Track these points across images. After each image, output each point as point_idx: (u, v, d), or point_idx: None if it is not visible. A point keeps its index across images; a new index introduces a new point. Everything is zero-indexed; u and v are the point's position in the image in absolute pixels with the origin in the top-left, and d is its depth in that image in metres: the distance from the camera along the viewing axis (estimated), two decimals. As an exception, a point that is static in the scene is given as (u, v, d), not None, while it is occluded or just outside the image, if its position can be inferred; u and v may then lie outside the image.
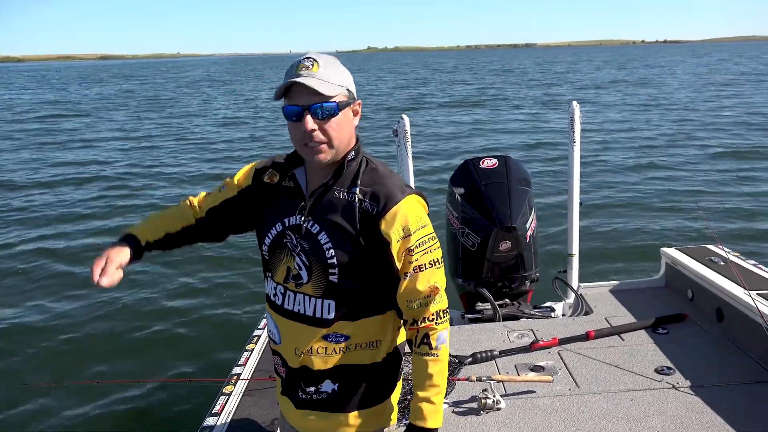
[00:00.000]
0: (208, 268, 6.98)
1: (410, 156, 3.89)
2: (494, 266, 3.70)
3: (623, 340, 3.19)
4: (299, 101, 1.44)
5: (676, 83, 35.24)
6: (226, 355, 4.46)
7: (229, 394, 2.66)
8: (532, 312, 3.74)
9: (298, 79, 1.42)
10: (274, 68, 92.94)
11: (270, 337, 1.70)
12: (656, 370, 2.83)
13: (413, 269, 1.49)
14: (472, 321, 3.66)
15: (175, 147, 16.67)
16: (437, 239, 1.56)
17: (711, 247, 3.93)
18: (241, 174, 1.71)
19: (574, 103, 3.90)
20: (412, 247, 1.48)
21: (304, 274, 1.54)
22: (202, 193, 1.77)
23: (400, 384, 1.70)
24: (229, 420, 2.47)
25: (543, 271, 3.93)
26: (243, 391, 2.70)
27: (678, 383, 2.71)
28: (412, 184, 3.93)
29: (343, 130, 1.49)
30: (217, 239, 1.78)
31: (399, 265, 1.50)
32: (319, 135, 1.46)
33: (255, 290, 6.17)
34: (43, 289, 6.67)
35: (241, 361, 2.99)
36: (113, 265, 1.54)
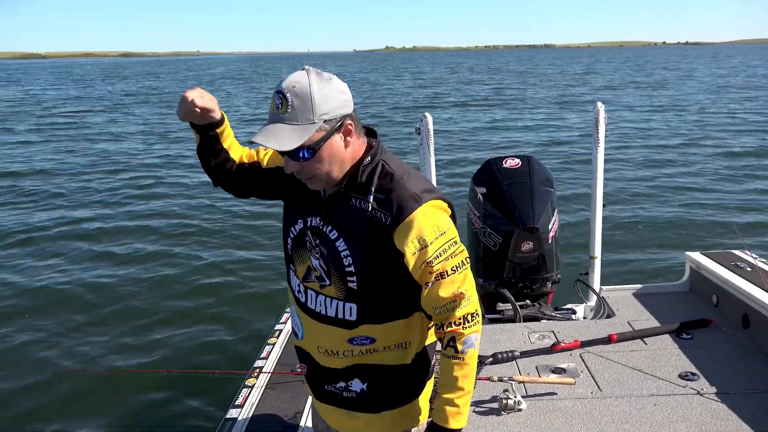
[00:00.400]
0: (233, 263, 7.05)
1: (432, 154, 3.88)
2: (516, 267, 3.69)
3: (646, 344, 3.16)
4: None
5: (696, 85, 34.77)
6: (248, 348, 4.51)
7: (252, 387, 2.69)
8: (553, 314, 3.72)
9: (257, 140, 1.37)
10: (294, 67, 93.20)
11: (294, 330, 1.70)
12: (680, 376, 2.80)
13: (434, 278, 1.45)
14: (492, 321, 3.65)
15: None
16: (460, 243, 1.50)
17: (737, 252, 3.88)
18: (275, 154, 1.68)
19: (599, 104, 3.87)
20: (430, 259, 1.43)
21: (325, 277, 1.53)
22: (247, 148, 1.72)
23: (430, 383, 1.68)
24: (251, 412, 2.49)
25: (564, 273, 3.91)
26: (265, 384, 2.72)
27: (703, 389, 2.68)
28: (434, 182, 3.92)
29: (332, 158, 1.44)
30: (239, 193, 1.73)
31: (417, 277, 1.46)
32: (305, 172, 1.44)
33: (277, 285, 6.22)
34: (70, 275, 6.84)
35: (263, 355, 3.02)
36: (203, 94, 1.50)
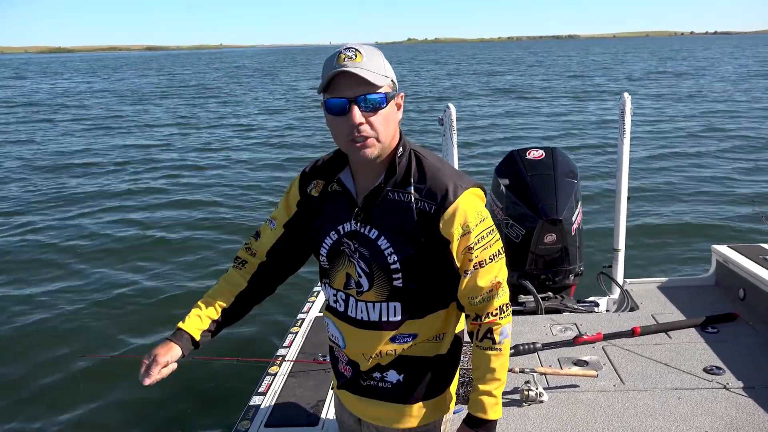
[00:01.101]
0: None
1: (455, 145, 3.87)
2: (538, 258, 3.67)
3: (670, 337, 3.13)
4: (344, 93, 1.35)
5: (725, 75, 34.02)
6: (272, 337, 4.57)
7: (275, 375, 2.72)
8: (576, 306, 3.69)
9: (345, 69, 1.32)
10: (318, 58, 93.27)
11: (332, 341, 1.66)
12: (705, 370, 2.77)
13: (473, 266, 1.46)
14: (514, 313, 3.64)
15: (231, 134, 17.07)
16: (496, 231, 1.51)
17: (765, 245, 3.81)
18: (286, 198, 1.64)
19: (626, 94, 3.81)
20: (471, 245, 1.44)
21: (365, 281, 1.49)
22: (251, 240, 1.68)
23: (458, 373, 1.69)
24: (274, 399, 2.53)
25: (587, 266, 3.88)
26: (288, 372, 2.75)
27: (728, 383, 2.64)
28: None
29: (389, 123, 1.41)
30: (289, 273, 1.72)
31: (459, 264, 1.46)
32: (366, 129, 1.37)
33: (300, 275, 6.26)
34: (101, 261, 7.01)
35: (286, 343, 3.05)
36: (158, 367, 1.51)
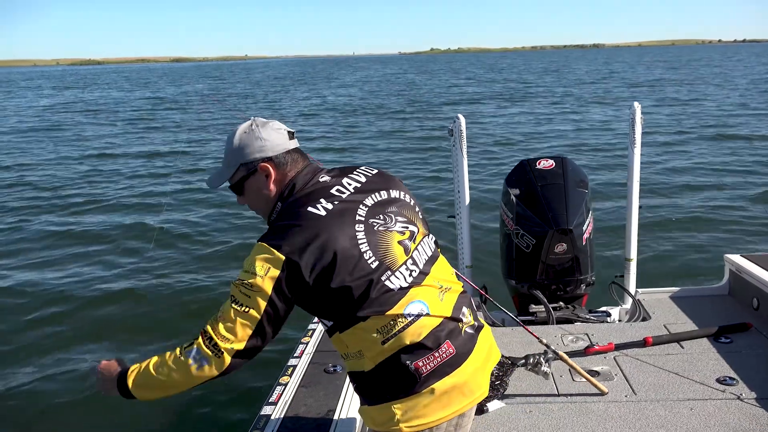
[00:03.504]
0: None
1: (465, 155, 3.89)
2: (549, 268, 3.66)
3: (683, 348, 3.10)
4: None
5: (740, 81, 33.82)
6: (282, 347, 4.58)
7: (285, 385, 2.73)
8: (587, 316, 3.67)
9: (206, 183, 1.88)
10: (341, 69, 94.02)
11: None
12: (718, 380, 2.75)
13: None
14: (525, 323, 3.63)
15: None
16: (250, 289, 1.57)
17: None
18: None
19: (636, 104, 3.81)
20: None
21: None
22: None
23: (415, 401, 1.65)
24: (285, 409, 2.53)
25: (599, 275, 3.86)
26: (299, 382, 2.76)
27: (742, 394, 2.62)
28: (466, 183, 3.93)
29: (251, 198, 1.77)
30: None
31: None
32: (244, 204, 1.81)
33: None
34: (103, 271, 7.04)
35: (297, 353, 3.06)
36: None
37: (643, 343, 3.11)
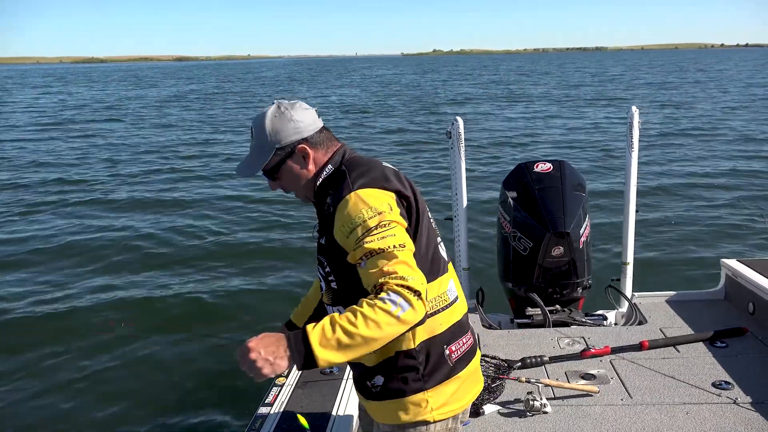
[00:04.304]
0: (262, 266, 7.16)
1: (463, 158, 3.89)
2: (546, 272, 3.66)
3: (679, 351, 3.11)
4: None
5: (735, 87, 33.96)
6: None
7: (282, 386, 2.73)
8: (584, 319, 3.68)
9: (236, 172, 1.76)
10: (344, 70, 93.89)
11: None
12: (714, 384, 2.75)
13: (362, 258, 1.47)
14: (521, 326, 3.64)
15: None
16: (387, 228, 1.48)
17: None
18: None
19: (634, 108, 3.83)
20: (356, 238, 1.49)
21: (323, 284, 1.74)
22: None
23: (451, 384, 1.67)
24: (281, 410, 2.53)
25: (595, 279, 3.87)
26: (295, 383, 2.76)
27: (737, 399, 2.62)
28: (464, 186, 3.94)
29: (289, 182, 1.72)
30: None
31: (351, 260, 1.52)
32: (281, 189, 1.76)
33: (304, 288, 6.29)
34: (97, 277, 7.00)
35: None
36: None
37: (639, 347, 3.12)
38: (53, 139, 18.95)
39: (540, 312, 3.61)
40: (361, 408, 1.95)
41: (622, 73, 58.53)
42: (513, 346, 3.24)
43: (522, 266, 3.69)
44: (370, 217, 1.49)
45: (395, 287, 1.40)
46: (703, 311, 3.61)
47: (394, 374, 1.64)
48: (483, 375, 2.78)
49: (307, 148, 1.68)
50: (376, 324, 1.36)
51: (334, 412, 2.50)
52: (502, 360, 2.95)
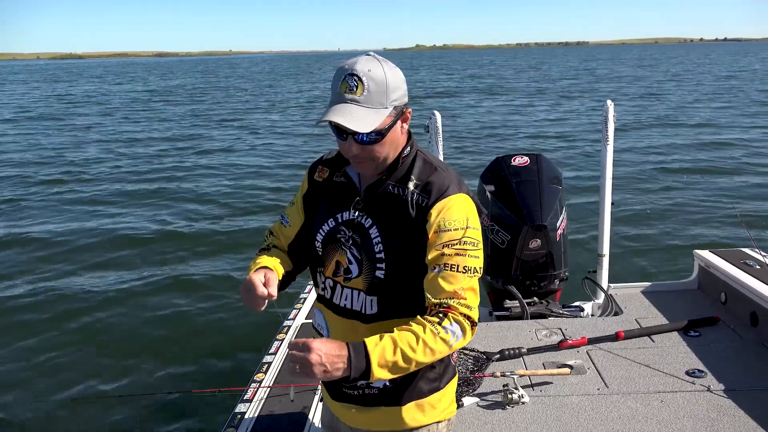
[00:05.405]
0: (240, 262, 7.10)
1: (441, 153, 3.90)
2: (523, 264, 3.69)
3: (654, 341, 3.16)
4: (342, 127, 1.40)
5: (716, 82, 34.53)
6: (257, 345, 4.54)
7: (260, 382, 2.72)
8: (561, 311, 3.72)
9: (334, 119, 1.37)
10: (327, 65, 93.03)
11: (317, 331, 1.66)
12: (687, 373, 2.81)
13: (442, 265, 1.41)
14: (499, 318, 3.66)
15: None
16: (479, 247, 1.45)
17: (746, 250, 3.86)
18: (299, 191, 1.70)
19: (609, 102, 3.86)
20: (446, 243, 1.41)
21: (354, 268, 1.52)
22: (277, 223, 1.72)
23: (454, 380, 1.66)
24: (260, 407, 2.52)
25: (572, 271, 3.91)
26: (274, 379, 2.75)
27: (710, 386, 2.68)
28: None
29: (387, 147, 1.47)
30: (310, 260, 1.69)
31: (430, 257, 1.43)
32: (363, 156, 1.45)
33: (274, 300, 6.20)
34: (62, 284, 6.89)
35: (272, 350, 3.05)
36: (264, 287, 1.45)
37: (615, 337, 3.16)
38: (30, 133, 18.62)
39: (518, 304, 3.65)
40: (333, 420, 1.74)
41: (602, 66, 59.11)
42: (491, 338, 3.26)
43: (500, 259, 3.71)
44: (474, 229, 1.45)
45: (459, 317, 1.38)
46: (677, 301, 3.67)
47: (412, 375, 1.52)
48: (462, 368, 2.80)
49: (410, 114, 1.51)
50: (432, 352, 1.35)
51: (312, 408, 2.50)
52: (481, 352, 2.97)
